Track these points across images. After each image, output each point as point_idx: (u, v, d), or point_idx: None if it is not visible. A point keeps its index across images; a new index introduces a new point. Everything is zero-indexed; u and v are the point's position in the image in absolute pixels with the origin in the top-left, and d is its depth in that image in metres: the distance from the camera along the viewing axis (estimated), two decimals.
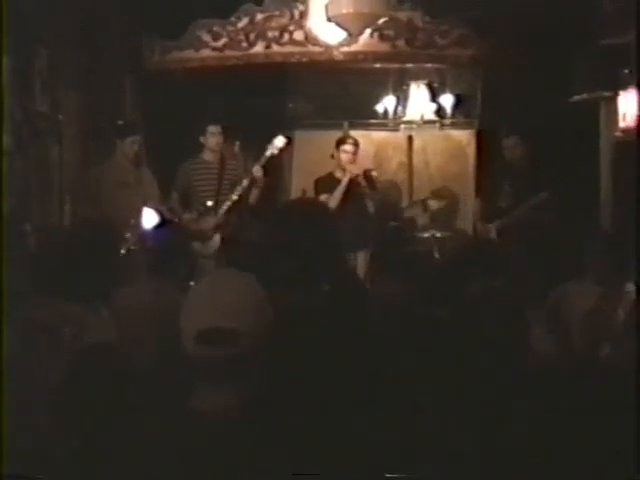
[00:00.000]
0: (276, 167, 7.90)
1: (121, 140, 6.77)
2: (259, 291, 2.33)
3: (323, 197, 7.03)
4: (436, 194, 8.34)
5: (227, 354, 2.18)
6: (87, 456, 2.71)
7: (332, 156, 7.28)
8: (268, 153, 7.05)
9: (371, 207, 7.20)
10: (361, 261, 7.08)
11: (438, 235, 7.96)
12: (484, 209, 7.22)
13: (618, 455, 2.64)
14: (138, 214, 6.62)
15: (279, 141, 7.07)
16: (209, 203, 7.01)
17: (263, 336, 2.26)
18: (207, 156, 7.15)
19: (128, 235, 6.16)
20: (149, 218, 6.82)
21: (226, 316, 2.18)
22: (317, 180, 7.34)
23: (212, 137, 7.06)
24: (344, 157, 7.16)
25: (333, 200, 6.96)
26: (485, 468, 2.59)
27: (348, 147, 7.19)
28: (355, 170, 7.12)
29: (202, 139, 7.10)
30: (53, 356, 2.94)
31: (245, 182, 6.98)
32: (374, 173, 7.49)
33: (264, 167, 7.01)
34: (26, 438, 2.81)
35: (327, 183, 7.23)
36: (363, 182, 7.14)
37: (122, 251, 5.73)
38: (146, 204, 6.76)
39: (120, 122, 7.10)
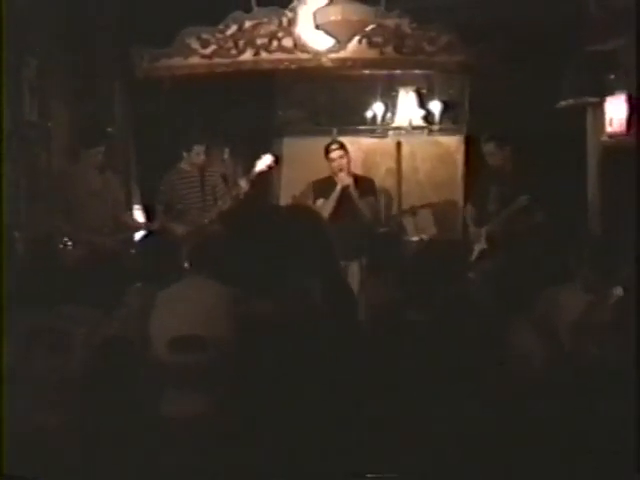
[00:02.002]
0: (265, 174, 7.91)
1: (85, 150, 6.76)
2: (227, 298, 2.33)
3: (319, 202, 7.20)
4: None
5: (198, 361, 2.19)
6: (88, 456, 2.72)
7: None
8: (257, 170, 7.18)
9: (364, 215, 7.27)
10: (353, 268, 7.10)
11: (427, 239, 7.97)
12: (473, 214, 7.25)
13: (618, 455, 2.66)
14: (110, 221, 6.66)
15: (267, 159, 7.19)
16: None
17: (232, 342, 2.27)
18: (186, 166, 7.22)
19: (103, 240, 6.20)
20: (137, 220, 6.86)
21: (196, 324, 2.18)
22: (315, 182, 7.43)
23: (196, 156, 7.16)
24: (334, 165, 7.27)
25: (326, 208, 7.05)
26: (485, 468, 2.61)
27: (334, 154, 7.29)
28: (346, 180, 7.22)
29: (185, 155, 7.16)
30: (54, 359, 2.95)
31: (233, 192, 7.06)
32: (370, 178, 7.59)
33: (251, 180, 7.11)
34: (27, 439, 2.82)
35: (324, 187, 7.35)
36: (354, 192, 7.23)
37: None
38: (114, 210, 6.79)
39: (86, 131, 7.08)
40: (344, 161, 7.32)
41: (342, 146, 7.39)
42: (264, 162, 7.20)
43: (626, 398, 2.93)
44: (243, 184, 7.11)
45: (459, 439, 2.70)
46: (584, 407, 2.96)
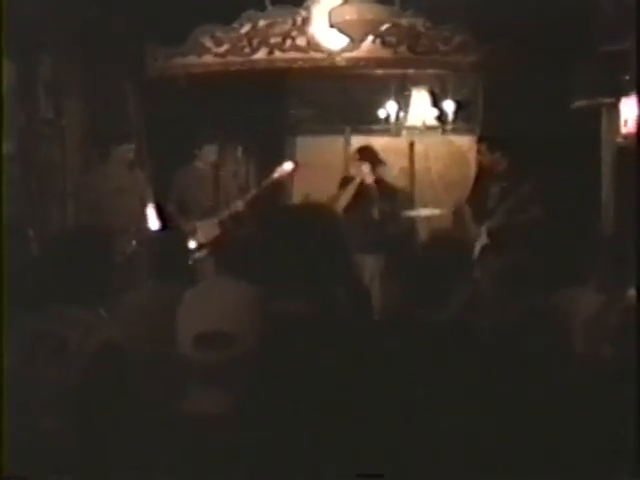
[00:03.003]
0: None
1: (115, 147, 6.77)
2: (252, 296, 2.34)
3: (337, 193, 7.18)
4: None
5: (223, 357, 2.20)
6: (88, 456, 2.72)
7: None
8: (276, 175, 7.17)
9: (379, 212, 7.23)
10: (367, 265, 7.10)
11: (439, 238, 7.95)
12: (474, 212, 7.25)
13: (618, 455, 2.65)
14: (137, 218, 6.68)
15: (287, 166, 7.18)
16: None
17: (258, 339, 2.27)
18: (200, 164, 7.21)
19: (133, 242, 6.23)
20: (151, 222, 6.87)
21: (221, 320, 2.19)
22: (343, 178, 7.41)
23: (207, 155, 7.14)
24: (360, 171, 7.21)
25: (343, 199, 7.04)
26: (485, 468, 2.60)
27: (365, 168, 7.22)
28: (369, 179, 7.18)
29: (197, 153, 7.15)
30: (55, 361, 2.95)
31: (232, 209, 7.07)
32: (391, 184, 7.59)
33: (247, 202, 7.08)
34: (27, 440, 2.82)
35: (348, 183, 7.31)
36: (375, 190, 7.19)
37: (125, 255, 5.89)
38: (143, 208, 6.82)
39: (117, 129, 7.12)
40: (357, 171, 7.26)
41: (373, 164, 7.33)
42: (283, 170, 7.20)
43: (629, 401, 2.91)
44: (239, 205, 7.09)
45: (459, 438, 2.70)
46: (585, 407, 2.95)
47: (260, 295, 2.39)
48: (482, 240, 6.91)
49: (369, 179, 7.20)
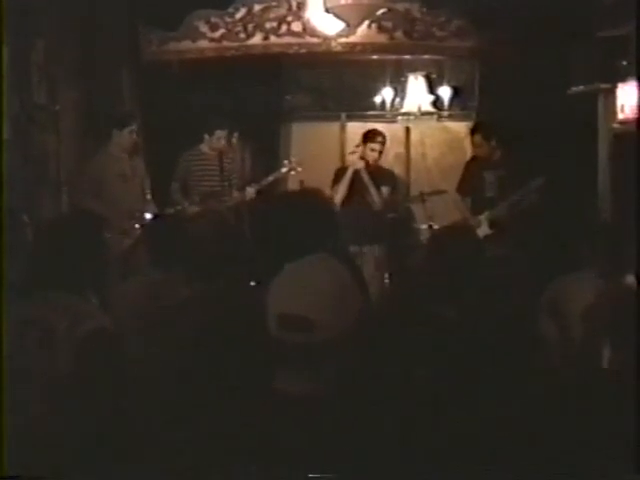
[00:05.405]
0: (274, 159, 7.89)
1: (119, 130, 6.74)
2: (346, 280, 2.31)
3: (336, 187, 7.17)
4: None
5: (303, 342, 2.18)
6: (88, 453, 2.70)
7: (357, 146, 7.34)
8: (284, 170, 7.19)
9: (374, 201, 7.20)
10: (365, 254, 7.08)
11: (436, 227, 7.94)
12: (472, 201, 7.23)
13: (618, 455, 2.64)
14: (139, 204, 6.67)
15: (294, 165, 7.20)
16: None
17: (342, 327, 2.25)
18: (206, 149, 7.18)
19: (137, 226, 6.25)
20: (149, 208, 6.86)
21: (304, 305, 2.18)
22: (337, 170, 7.39)
23: (218, 140, 7.12)
24: (369, 154, 7.18)
25: (338, 194, 7.02)
26: (485, 467, 2.59)
27: (376, 146, 7.20)
28: (358, 164, 7.15)
29: (207, 137, 7.13)
30: (51, 350, 2.92)
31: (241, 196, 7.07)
32: (390, 170, 7.56)
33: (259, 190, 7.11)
34: (26, 436, 2.79)
35: (342, 173, 7.30)
36: (366, 176, 7.16)
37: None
38: (144, 194, 6.80)
39: (118, 111, 7.10)
40: (375, 154, 7.24)
41: (384, 142, 7.30)
42: (291, 164, 7.23)
43: (628, 392, 2.90)
44: (251, 191, 7.11)
45: (460, 437, 2.69)
46: (586, 401, 2.94)
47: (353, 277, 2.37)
48: (483, 230, 6.89)
49: (358, 165, 7.15)
